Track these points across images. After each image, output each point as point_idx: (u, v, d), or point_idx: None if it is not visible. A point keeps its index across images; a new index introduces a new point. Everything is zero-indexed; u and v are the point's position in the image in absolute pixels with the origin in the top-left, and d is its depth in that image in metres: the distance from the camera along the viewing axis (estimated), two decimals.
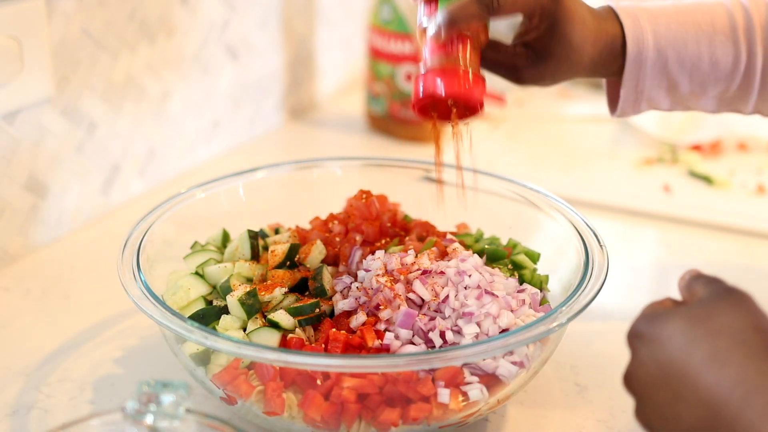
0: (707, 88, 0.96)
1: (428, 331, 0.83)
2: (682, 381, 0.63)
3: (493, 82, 0.97)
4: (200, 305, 0.89)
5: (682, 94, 0.97)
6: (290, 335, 0.84)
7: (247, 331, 0.85)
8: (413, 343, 0.83)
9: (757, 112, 1.00)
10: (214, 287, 0.91)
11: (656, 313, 0.68)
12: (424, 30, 0.90)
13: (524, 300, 0.88)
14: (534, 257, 0.96)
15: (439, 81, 0.88)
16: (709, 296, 0.67)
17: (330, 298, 0.88)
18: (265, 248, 0.94)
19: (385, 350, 0.82)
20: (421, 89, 0.89)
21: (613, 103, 1.00)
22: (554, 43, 0.92)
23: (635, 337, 0.68)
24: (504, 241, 1.00)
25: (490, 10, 0.89)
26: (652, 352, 0.65)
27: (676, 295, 1.12)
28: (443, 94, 0.88)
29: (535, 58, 0.94)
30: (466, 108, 0.90)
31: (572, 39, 0.92)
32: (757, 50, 0.94)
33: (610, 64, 0.95)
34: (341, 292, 0.89)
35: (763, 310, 0.66)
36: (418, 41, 0.93)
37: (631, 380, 0.67)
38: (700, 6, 0.96)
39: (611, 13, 0.95)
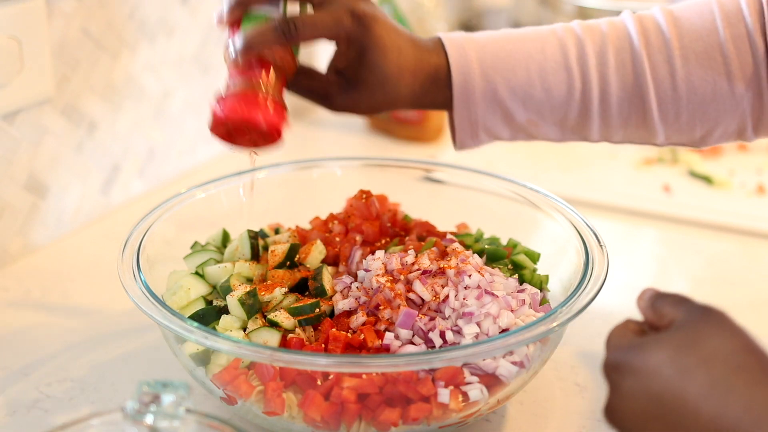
0: (544, 116, 0.93)
1: (428, 331, 0.83)
2: (680, 412, 0.61)
3: None
4: (200, 305, 0.89)
5: (519, 123, 0.94)
6: (290, 335, 0.84)
7: (247, 331, 0.85)
8: (413, 343, 0.83)
9: (604, 139, 0.96)
10: (214, 287, 0.91)
11: (632, 343, 0.65)
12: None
13: (524, 300, 0.88)
14: (534, 257, 0.96)
15: (231, 106, 0.85)
16: (686, 319, 0.65)
17: (330, 298, 0.88)
18: (265, 248, 0.94)
19: (385, 350, 0.82)
20: (216, 112, 0.86)
21: (454, 135, 0.96)
22: (366, 72, 0.90)
23: (613, 369, 0.65)
24: (504, 241, 1.00)
25: (288, 36, 0.86)
26: (639, 385, 0.63)
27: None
28: (232, 119, 0.85)
29: (347, 86, 0.92)
30: (263, 135, 0.87)
31: (385, 68, 0.89)
32: (591, 75, 0.92)
33: (435, 96, 0.93)
34: (341, 292, 0.89)
35: (741, 325, 0.64)
36: (226, 65, 0.89)
37: (616, 414, 0.65)
38: (530, 35, 0.94)
39: (437, 44, 0.92)
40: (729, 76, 0.91)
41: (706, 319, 0.64)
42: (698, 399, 0.61)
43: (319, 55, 1.66)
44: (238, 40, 0.86)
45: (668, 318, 0.67)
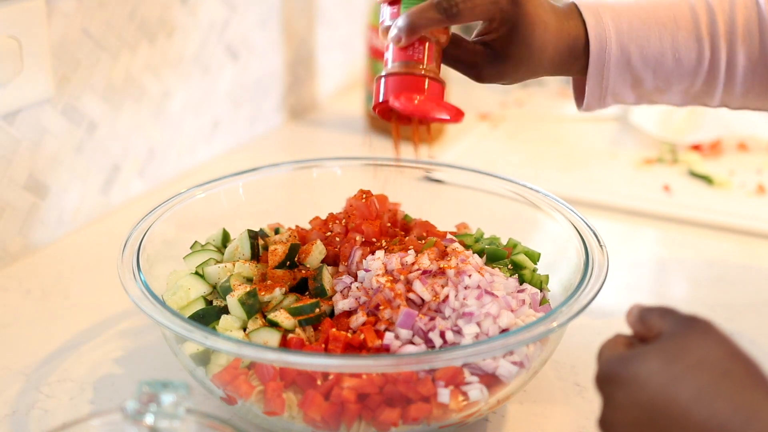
0: (672, 84, 0.97)
1: (428, 331, 0.83)
2: (671, 420, 0.62)
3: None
4: (200, 305, 0.89)
5: (646, 90, 0.98)
6: (290, 335, 0.84)
7: (247, 331, 0.85)
8: (413, 343, 0.83)
9: (723, 105, 1.00)
10: (214, 287, 0.91)
11: (623, 355, 0.66)
12: (387, 29, 0.91)
13: (524, 300, 0.88)
14: (534, 257, 0.96)
15: (395, 89, 0.88)
16: (674, 330, 0.66)
17: (330, 298, 0.88)
18: (265, 248, 0.94)
19: (385, 350, 0.82)
20: (381, 94, 0.89)
21: (579, 98, 1.00)
22: (514, 46, 0.92)
23: (605, 382, 0.66)
24: (504, 241, 1.00)
25: (450, 16, 0.88)
26: (630, 395, 0.64)
27: (671, 298, 1.12)
28: (398, 108, 0.89)
29: (494, 58, 0.93)
30: (426, 120, 0.92)
31: (533, 43, 0.92)
32: (720, 45, 0.95)
33: (571, 64, 0.96)
34: (341, 292, 0.89)
35: (727, 333, 0.66)
36: (381, 39, 0.93)
37: (609, 426, 0.66)
38: (662, 3, 0.97)
39: (574, 11, 0.95)
40: None
41: (692, 328, 0.66)
42: (688, 405, 0.62)
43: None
44: (401, 20, 0.89)
45: (656, 330, 0.68)
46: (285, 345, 0.83)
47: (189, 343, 0.83)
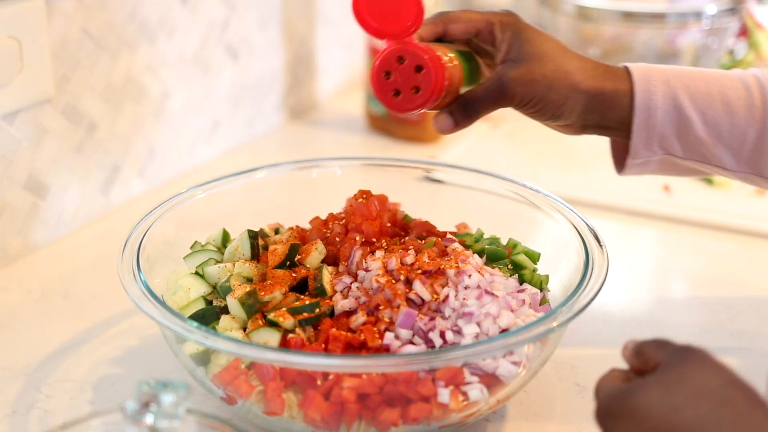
0: (722, 136, 0.91)
1: (428, 331, 0.83)
2: None
3: None
4: (200, 305, 0.89)
5: (695, 138, 0.92)
6: (290, 335, 0.84)
7: (247, 331, 0.85)
8: (413, 343, 0.83)
9: None
10: (214, 287, 0.91)
11: (622, 389, 0.67)
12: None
13: (524, 300, 0.88)
14: (534, 257, 0.96)
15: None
16: (670, 360, 0.67)
17: (330, 298, 0.88)
18: (265, 248, 0.94)
19: (385, 350, 0.82)
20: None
21: (619, 158, 0.99)
22: (527, 45, 0.91)
23: (607, 416, 0.67)
24: (504, 241, 1.00)
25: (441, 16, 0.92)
26: (632, 428, 0.65)
27: (679, 295, 1.12)
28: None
29: (515, 67, 0.91)
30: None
31: (541, 44, 0.91)
32: None
33: (610, 102, 0.91)
34: (341, 292, 0.89)
35: (722, 362, 0.66)
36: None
37: None
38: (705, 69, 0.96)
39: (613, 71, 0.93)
40: None
41: (688, 358, 0.66)
42: None
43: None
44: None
45: (653, 362, 0.68)
46: (285, 345, 0.83)
47: (189, 343, 0.83)
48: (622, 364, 0.72)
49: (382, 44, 0.92)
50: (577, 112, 0.92)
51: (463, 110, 0.92)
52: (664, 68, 0.93)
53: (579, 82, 0.90)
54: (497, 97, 0.92)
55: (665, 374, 0.66)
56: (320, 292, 0.89)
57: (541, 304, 0.91)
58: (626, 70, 0.92)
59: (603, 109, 0.92)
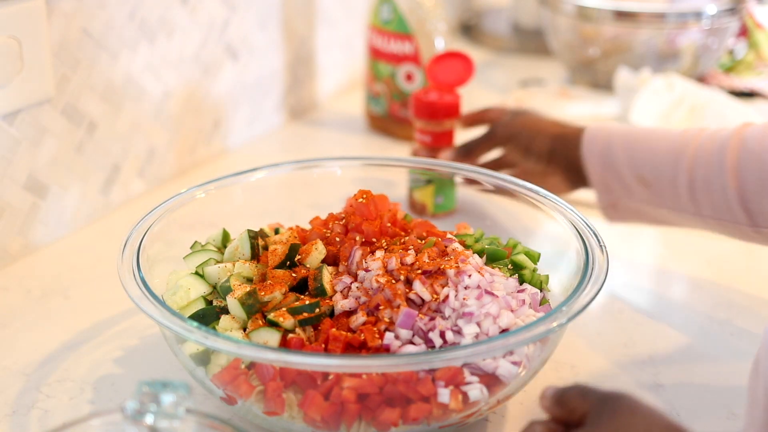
0: (654, 172, 1.08)
1: (428, 331, 0.83)
2: None
3: None
4: (200, 305, 0.89)
5: (622, 176, 1.11)
6: (290, 335, 0.84)
7: (247, 331, 0.85)
8: (413, 343, 0.83)
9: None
10: (214, 287, 0.91)
11: None
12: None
13: (524, 300, 0.87)
14: (534, 257, 0.96)
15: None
16: (599, 411, 0.66)
17: (330, 298, 0.88)
18: (265, 248, 0.94)
19: (385, 350, 0.82)
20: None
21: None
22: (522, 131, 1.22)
23: None
24: (504, 241, 1.00)
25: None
26: None
27: (679, 295, 1.12)
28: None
29: (525, 155, 1.21)
30: None
31: (533, 126, 1.22)
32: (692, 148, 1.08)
33: (568, 146, 1.16)
34: (341, 292, 0.89)
35: (650, 406, 0.66)
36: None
37: None
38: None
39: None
40: None
41: (617, 407, 0.65)
42: None
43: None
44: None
45: (578, 412, 0.67)
46: (285, 345, 0.83)
47: (189, 343, 0.83)
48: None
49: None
50: (546, 150, 1.18)
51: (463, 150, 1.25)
52: (617, 129, 1.14)
53: (546, 128, 1.20)
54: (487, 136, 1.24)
55: (596, 428, 0.64)
56: (320, 292, 0.89)
57: (541, 304, 0.91)
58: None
59: (564, 148, 1.17)
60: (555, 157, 1.17)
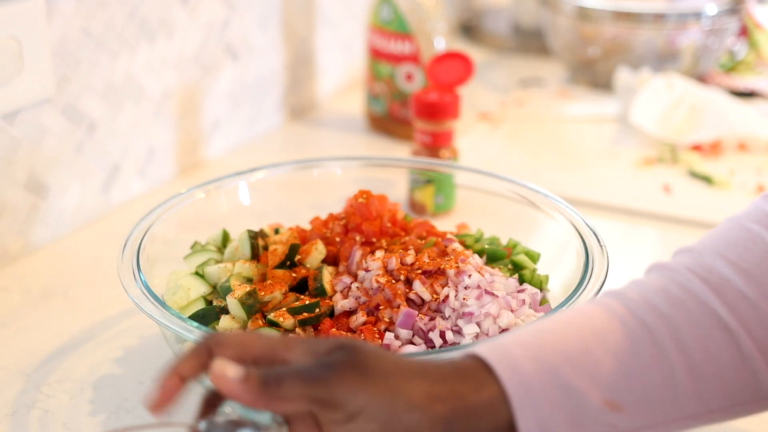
0: (628, 391, 0.66)
1: (428, 331, 0.83)
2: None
3: None
4: (200, 305, 0.89)
5: (596, 411, 0.65)
6: (290, 335, 0.84)
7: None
8: (413, 343, 0.83)
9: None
10: (214, 287, 0.91)
11: None
12: None
13: (524, 300, 0.88)
14: (534, 257, 0.96)
15: None
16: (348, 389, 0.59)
17: (330, 298, 0.88)
18: (265, 248, 0.94)
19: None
20: None
21: None
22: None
23: None
24: (504, 241, 1.00)
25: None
26: None
27: None
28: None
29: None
30: None
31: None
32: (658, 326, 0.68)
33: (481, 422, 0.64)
34: (341, 292, 0.89)
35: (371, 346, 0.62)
36: None
37: None
38: (558, 316, 0.71)
39: (451, 365, 0.66)
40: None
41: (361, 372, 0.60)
42: None
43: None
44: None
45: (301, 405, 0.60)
46: None
47: (189, 343, 0.83)
48: None
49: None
50: None
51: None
52: (521, 340, 0.67)
53: (427, 407, 0.63)
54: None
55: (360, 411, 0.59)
56: (320, 292, 0.89)
57: (541, 304, 0.91)
58: (480, 362, 0.65)
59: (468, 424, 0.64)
60: None
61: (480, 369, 0.65)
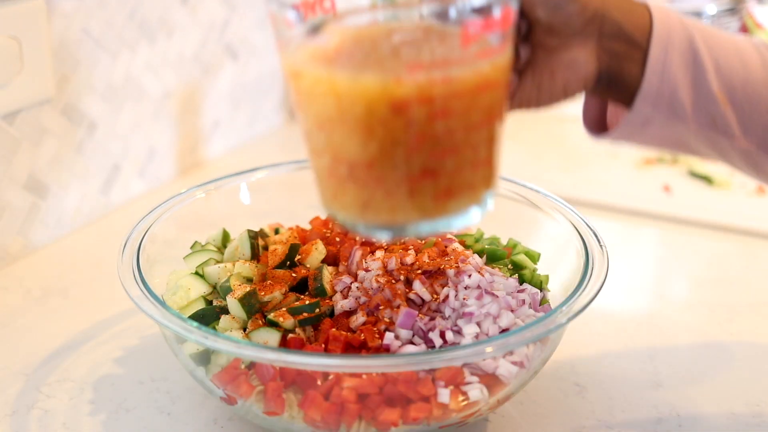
0: (735, 91, 0.77)
1: (428, 331, 0.83)
2: None
3: None
4: (200, 305, 0.89)
5: (708, 90, 0.77)
6: (290, 335, 0.84)
7: (247, 331, 0.85)
8: (413, 343, 0.83)
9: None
10: (214, 287, 0.91)
11: None
12: None
13: (524, 300, 0.88)
14: (534, 257, 0.96)
15: None
16: None
17: (330, 298, 0.88)
18: (265, 248, 0.94)
19: (385, 350, 0.82)
20: None
21: (595, 122, 0.84)
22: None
23: None
24: (504, 241, 1.00)
25: None
26: None
27: (679, 295, 1.12)
28: None
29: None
30: None
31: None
32: None
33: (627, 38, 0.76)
34: (341, 292, 0.89)
35: None
36: None
37: None
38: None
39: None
40: None
41: None
42: None
43: None
44: None
45: None
46: (285, 345, 0.83)
47: (189, 343, 0.83)
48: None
49: None
50: (590, 8, 0.75)
51: None
52: (679, 13, 0.79)
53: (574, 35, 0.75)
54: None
55: None
56: (320, 292, 0.89)
57: (541, 304, 0.91)
58: (646, 7, 0.78)
59: (620, 13, 0.76)
60: (596, 22, 0.76)
61: (642, 6, 0.78)
